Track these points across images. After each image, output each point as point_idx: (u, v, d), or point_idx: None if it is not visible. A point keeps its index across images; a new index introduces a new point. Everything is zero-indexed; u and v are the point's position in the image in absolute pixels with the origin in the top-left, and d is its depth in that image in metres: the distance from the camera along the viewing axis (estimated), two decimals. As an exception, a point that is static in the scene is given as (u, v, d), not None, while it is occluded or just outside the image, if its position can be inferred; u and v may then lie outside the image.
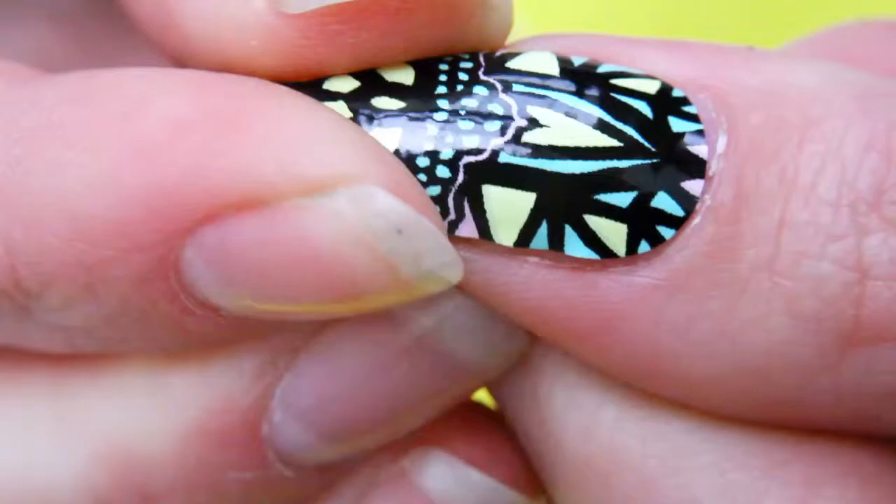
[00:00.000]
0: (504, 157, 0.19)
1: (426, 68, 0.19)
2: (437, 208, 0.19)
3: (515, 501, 0.23)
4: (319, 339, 0.21)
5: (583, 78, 0.19)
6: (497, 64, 0.20)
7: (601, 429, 0.21)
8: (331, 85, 0.19)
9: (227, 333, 0.20)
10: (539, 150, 0.19)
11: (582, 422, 0.21)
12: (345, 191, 0.18)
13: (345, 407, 0.21)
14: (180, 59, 0.20)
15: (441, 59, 0.20)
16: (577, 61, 0.20)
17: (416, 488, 0.23)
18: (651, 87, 0.19)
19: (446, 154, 0.19)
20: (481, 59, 0.20)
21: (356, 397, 0.21)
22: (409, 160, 0.19)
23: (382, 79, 0.19)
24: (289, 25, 0.19)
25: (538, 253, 0.19)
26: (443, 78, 0.19)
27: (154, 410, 0.21)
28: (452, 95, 0.19)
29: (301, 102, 0.19)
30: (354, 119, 0.19)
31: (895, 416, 0.19)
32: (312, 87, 0.19)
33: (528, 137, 0.19)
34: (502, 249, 0.19)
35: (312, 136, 0.18)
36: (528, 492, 0.23)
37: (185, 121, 0.18)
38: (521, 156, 0.19)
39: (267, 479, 0.22)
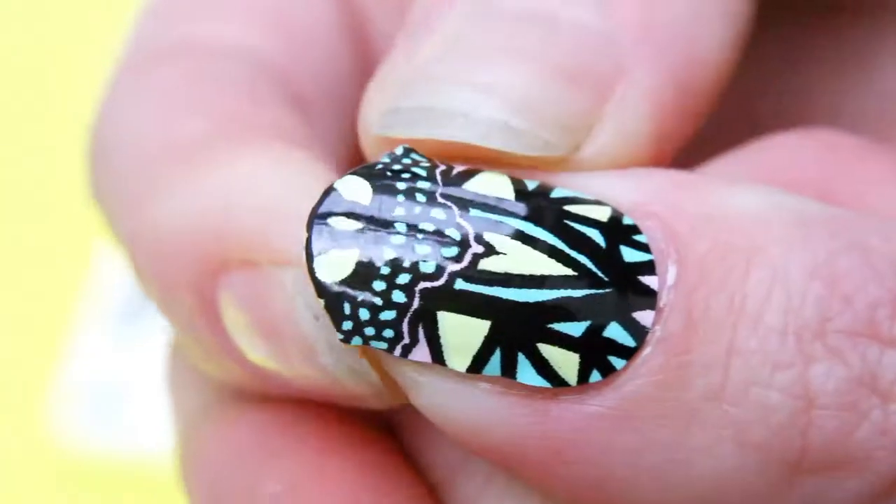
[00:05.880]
0: (460, 284, 0.19)
1: (384, 187, 0.19)
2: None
3: None
4: None
5: (537, 203, 0.19)
6: (454, 184, 0.20)
7: None
8: None
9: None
10: (495, 278, 0.19)
11: None
12: (292, 269, 0.20)
13: None
14: None
15: (398, 177, 0.19)
16: (531, 185, 0.20)
17: None
18: (602, 214, 0.19)
19: (403, 279, 0.19)
20: (438, 177, 0.20)
21: None
22: (365, 282, 0.19)
23: (340, 196, 0.19)
24: None
25: (490, 379, 0.19)
26: (400, 198, 0.19)
27: None
28: (410, 217, 0.19)
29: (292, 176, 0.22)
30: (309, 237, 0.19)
31: None
32: None
33: (484, 264, 0.19)
34: (454, 374, 0.19)
35: (288, 210, 0.21)
36: None
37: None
38: (477, 283, 0.19)
39: None
